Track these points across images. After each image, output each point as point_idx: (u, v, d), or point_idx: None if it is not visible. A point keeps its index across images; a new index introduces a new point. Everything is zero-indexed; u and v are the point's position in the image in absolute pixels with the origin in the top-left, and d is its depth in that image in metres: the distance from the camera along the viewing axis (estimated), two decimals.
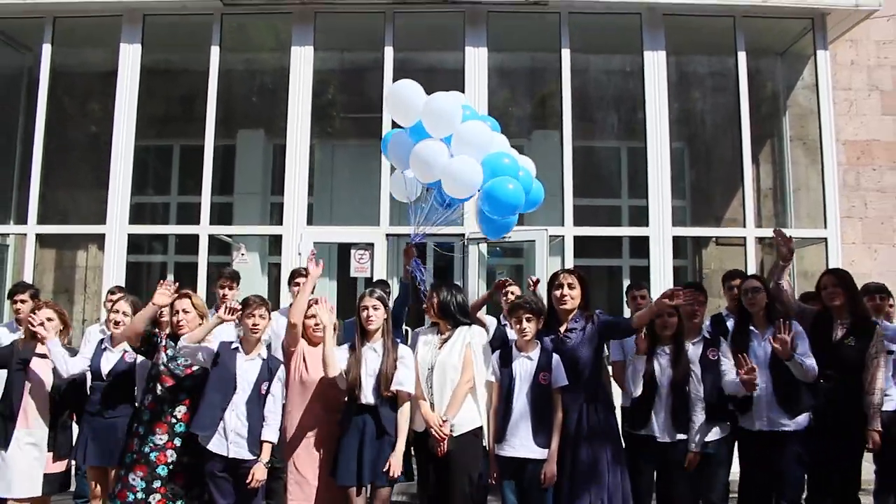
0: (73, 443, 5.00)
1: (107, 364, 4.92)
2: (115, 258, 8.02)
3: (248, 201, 9.57)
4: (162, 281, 4.61)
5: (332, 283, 8.81)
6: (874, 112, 9.36)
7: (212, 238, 8.20)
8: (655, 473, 4.64)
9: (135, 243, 8.58)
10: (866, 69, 9.44)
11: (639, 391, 4.51)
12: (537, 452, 4.25)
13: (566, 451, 4.24)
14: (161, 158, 9.80)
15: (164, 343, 4.60)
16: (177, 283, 4.67)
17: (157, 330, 4.73)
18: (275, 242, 8.67)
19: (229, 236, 8.78)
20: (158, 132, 9.15)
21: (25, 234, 8.32)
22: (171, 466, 4.42)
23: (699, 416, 4.50)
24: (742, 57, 8.19)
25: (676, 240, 8.40)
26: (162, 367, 4.52)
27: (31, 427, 4.77)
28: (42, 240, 8.60)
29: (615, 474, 4.25)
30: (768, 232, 8.72)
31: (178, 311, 4.60)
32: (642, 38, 8.19)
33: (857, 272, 7.89)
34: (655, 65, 8.13)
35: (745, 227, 8.08)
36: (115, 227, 8.06)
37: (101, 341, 5.04)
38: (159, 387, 4.50)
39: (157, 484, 4.38)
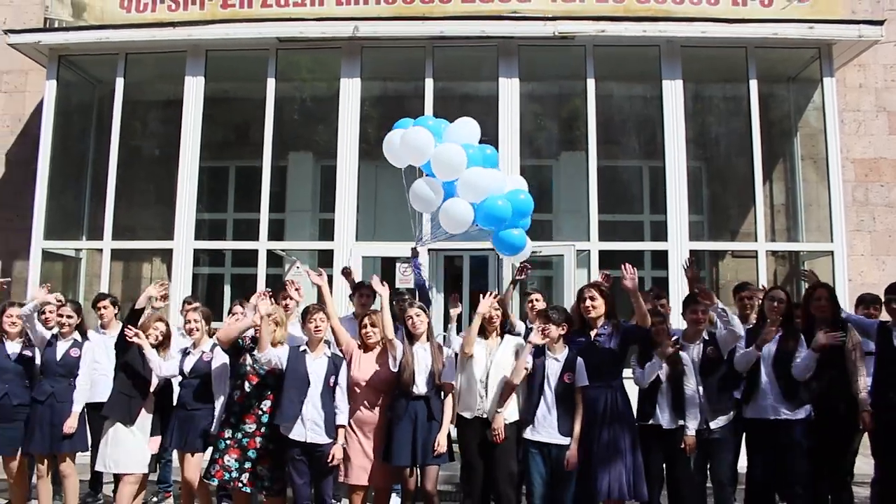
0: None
1: (188, 364, 5.71)
2: (182, 271, 8.86)
3: (298, 218, 10.40)
4: (264, 293, 5.35)
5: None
6: (882, 132, 9.98)
7: (268, 252, 9.03)
8: (665, 463, 5.35)
9: (195, 256, 9.43)
10: (874, 91, 10.06)
11: (647, 383, 5.25)
12: (562, 439, 5.01)
13: (591, 435, 4.98)
14: (218, 178, 10.62)
15: (248, 346, 5.38)
16: (270, 291, 5.47)
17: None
18: (324, 256, 9.48)
19: (284, 251, 9.61)
20: (216, 154, 9.94)
21: (101, 249, 9.19)
22: (258, 451, 5.20)
23: (695, 406, 5.21)
24: (754, 84, 8.85)
25: (696, 252, 9.10)
26: (248, 368, 5.31)
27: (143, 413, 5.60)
28: (112, 253, 9.45)
29: (633, 455, 5.00)
30: (779, 246, 9.47)
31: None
32: (661, 67, 8.89)
33: (866, 282, 8.58)
34: (673, 92, 8.82)
35: (756, 241, 8.74)
36: (182, 242, 8.92)
37: (186, 348, 5.83)
38: (247, 384, 5.29)
39: (247, 465, 5.18)
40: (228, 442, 5.22)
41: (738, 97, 9.27)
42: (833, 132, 8.78)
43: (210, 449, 5.43)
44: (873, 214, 9.83)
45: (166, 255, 10.03)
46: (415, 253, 6.31)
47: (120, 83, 9.35)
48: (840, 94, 9.70)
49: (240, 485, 5.19)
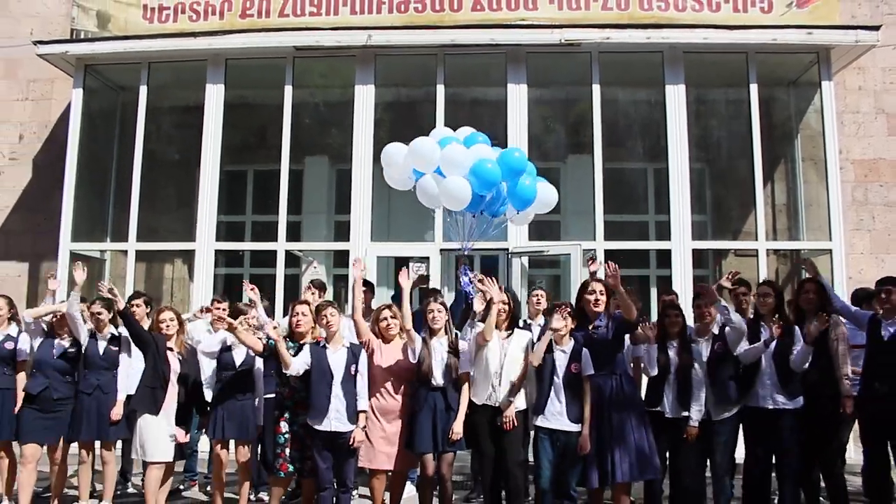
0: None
1: (238, 357, 6.16)
2: (203, 271, 9.24)
3: (314, 220, 10.79)
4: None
5: (389, 291, 9.95)
6: (880, 133, 10.25)
7: (286, 252, 9.40)
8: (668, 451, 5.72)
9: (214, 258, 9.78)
10: (873, 94, 10.33)
11: (655, 371, 5.60)
12: (570, 426, 5.35)
13: (599, 420, 5.32)
14: (237, 181, 11.01)
15: (290, 346, 5.68)
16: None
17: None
18: (339, 256, 9.85)
19: (302, 251, 9.98)
20: (235, 158, 10.30)
21: (126, 251, 9.59)
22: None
23: (699, 398, 5.54)
24: (754, 89, 9.17)
25: (699, 251, 9.43)
26: None
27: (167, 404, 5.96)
28: (135, 255, 9.81)
29: (640, 433, 5.31)
30: (778, 244, 9.77)
31: (297, 314, 5.74)
32: (664, 72, 9.22)
33: (865, 280, 8.87)
34: (676, 96, 9.15)
35: (757, 240, 9.05)
36: (204, 243, 9.30)
37: (230, 344, 6.21)
38: (292, 379, 5.63)
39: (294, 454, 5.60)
40: (287, 436, 5.58)
41: (740, 101, 9.56)
42: (831, 135, 9.07)
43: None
44: (872, 214, 10.10)
45: (187, 256, 10.46)
46: (463, 261, 6.64)
47: (143, 91, 9.75)
48: (840, 97, 10.01)
49: (304, 474, 5.62)
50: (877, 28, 8.96)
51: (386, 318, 5.70)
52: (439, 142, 6.40)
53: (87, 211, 10.03)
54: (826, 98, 9.14)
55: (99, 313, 6.31)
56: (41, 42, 9.76)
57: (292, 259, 10.03)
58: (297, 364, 5.50)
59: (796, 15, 9.16)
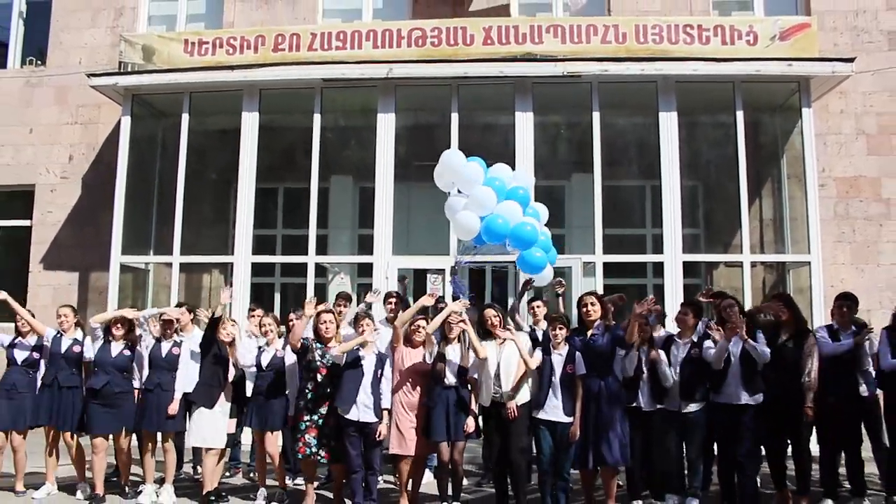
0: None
1: (265, 359, 7.11)
2: (241, 282, 10.22)
3: (339, 234, 11.77)
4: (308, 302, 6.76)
5: (409, 299, 10.91)
6: (861, 153, 11.08)
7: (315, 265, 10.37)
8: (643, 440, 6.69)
9: None
10: (854, 116, 11.16)
11: (631, 373, 6.58)
12: (565, 418, 6.30)
13: (590, 412, 6.26)
14: (269, 198, 11.97)
15: (315, 346, 6.68)
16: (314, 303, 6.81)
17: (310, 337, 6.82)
18: (363, 269, 10.82)
19: (330, 264, 10.95)
20: (267, 177, 11.20)
21: (170, 263, 10.59)
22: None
23: (671, 393, 6.55)
24: (740, 115, 10.04)
25: (691, 263, 10.32)
26: (318, 363, 6.60)
27: (222, 399, 6.98)
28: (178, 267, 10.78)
29: (623, 426, 6.28)
30: (761, 257, 10.68)
31: (324, 322, 6.70)
32: (658, 100, 10.10)
33: (847, 288, 9.66)
34: (669, 122, 10.02)
35: (742, 253, 9.94)
36: (241, 256, 10.29)
37: (260, 346, 7.22)
38: (319, 376, 6.59)
39: (323, 441, 6.54)
40: (308, 424, 6.54)
41: (728, 124, 10.41)
42: (810, 157, 9.89)
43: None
44: (853, 227, 10.94)
45: (223, 268, 11.47)
46: (453, 272, 7.62)
47: (185, 118, 10.75)
48: (823, 119, 10.90)
49: (318, 458, 6.58)
50: (851, 60, 9.82)
51: (417, 326, 6.67)
52: (487, 181, 7.09)
53: (132, 226, 10.97)
54: (806, 124, 9.95)
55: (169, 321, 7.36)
56: (94, 74, 10.77)
57: (320, 270, 11.00)
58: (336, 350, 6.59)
59: (780, 47, 10.00)
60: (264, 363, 7.09)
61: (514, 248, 7.02)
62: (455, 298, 7.16)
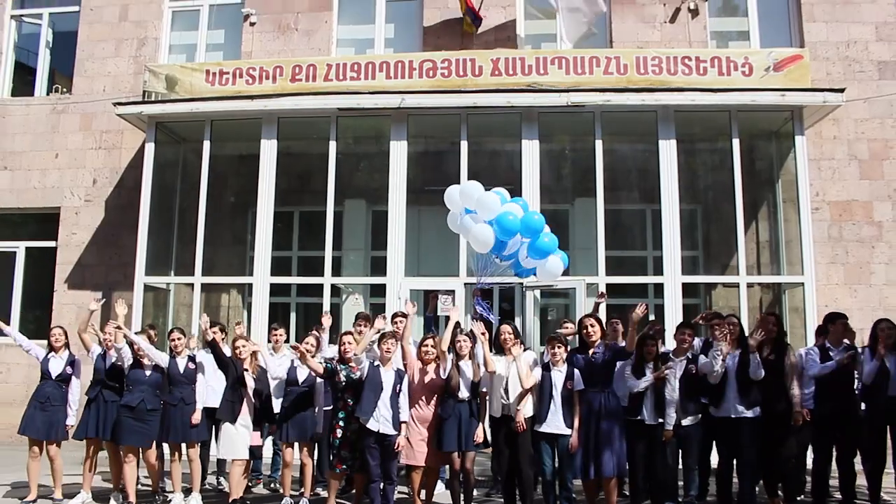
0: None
1: (301, 375, 7.63)
2: (260, 302, 10.70)
3: (353, 256, 12.26)
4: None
5: (419, 319, 11.34)
6: (853, 177, 11.49)
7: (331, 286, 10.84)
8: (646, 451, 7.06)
9: None
10: (847, 142, 11.58)
11: (641, 388, 6.99)
12: (566, 431, 6.77)
13: (590, 426, 6.72)
14: (285, 221, 12.46)
15: (340, 368, 7.13)
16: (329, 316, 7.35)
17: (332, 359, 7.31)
18: (375, 289, 11.29)
19: (345, 285, 11.42)
20: (283, 200, 11.67)
21: (192, 284, 11.07)
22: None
23: (671, 409, 6.92)
24: (736, 142, 10.53)
25: (690, 284, 10.77)
26: (345, 383, 7.07)
27: (244, 414, 7.42)
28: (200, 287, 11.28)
29: (621, 441, 6.75)
30: (756, 278, 11.09)
31: (346, 343, 7.18)
32: (657, 129, 10.61)
33: (841, 308, 10.11)
34: (668, 149, 10.52)
35: (738, 274, 10.40)
36: (260, 277, 10.77)
37: (293, 360, 7.71)
38: (348, 397, 7.05)
39: (356, 454, 7.02)
40: (341, 441, 7.01)
41: (725, 151, 10.91)
42: (804, 182, 10.38)
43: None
44: (846, 249, 11.35)
45: (240, 288, 11.95)
46: (476, 293, 8.10)
47: (207, 145, 11.27)
48: (817, 145, 11.36)
49: (353, 471, 7.09)
50: (841, 90, 10.32)
51: (427, 346, 7.13)
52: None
53: (154, 247, 11.44)
54: (799, 151, 10.45)
55: (177, 339, 7.81)
56: (119, 103, 11.32)
57: (335, 290, 11.47)
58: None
59: (774, 77, 10.49)
60: (300, 378, 7.62)
61: (525, 238, 7.61)
62: (481, 319, 7.60)
